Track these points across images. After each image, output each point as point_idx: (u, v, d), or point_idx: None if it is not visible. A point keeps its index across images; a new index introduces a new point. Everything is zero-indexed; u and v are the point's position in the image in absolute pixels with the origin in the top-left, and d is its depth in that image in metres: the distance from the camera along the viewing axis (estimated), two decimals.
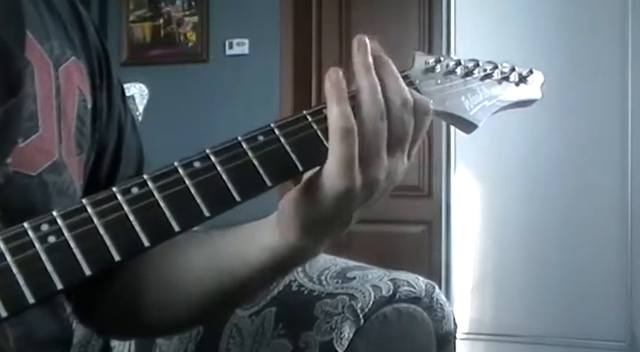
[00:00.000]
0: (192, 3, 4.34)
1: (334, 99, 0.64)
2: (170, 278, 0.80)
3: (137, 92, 2.81)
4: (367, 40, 0.68)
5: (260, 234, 0.72)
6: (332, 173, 0.64)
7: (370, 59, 0.67)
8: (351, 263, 1.02)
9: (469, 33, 3.42)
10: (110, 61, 0.88)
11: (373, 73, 0.67)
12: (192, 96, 4.29)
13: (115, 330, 0.89)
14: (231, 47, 4.24)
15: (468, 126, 0.75)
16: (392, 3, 4.08)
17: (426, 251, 3.85)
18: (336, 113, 0.64)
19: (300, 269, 0.99)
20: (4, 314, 0.54)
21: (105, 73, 0.86)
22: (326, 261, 1.01)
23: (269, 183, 0.63)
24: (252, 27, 4.20)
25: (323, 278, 0.97)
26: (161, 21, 4.40)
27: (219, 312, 0.85)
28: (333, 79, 0.65)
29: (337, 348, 0.90)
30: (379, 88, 0.66)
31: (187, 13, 4.35)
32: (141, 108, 2.83)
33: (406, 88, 0.67)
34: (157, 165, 0.75)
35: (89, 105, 0.82)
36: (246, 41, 4.21)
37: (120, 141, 0.86)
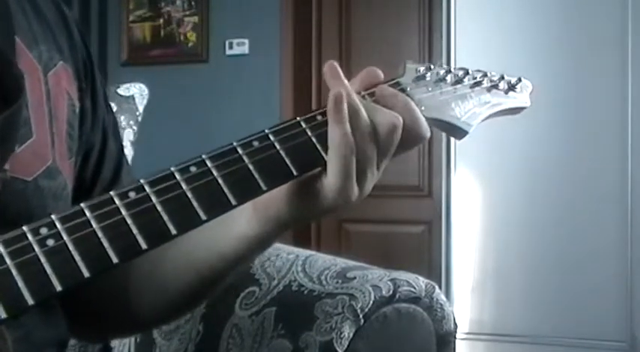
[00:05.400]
0: (192, 3, 4.33)
1: (336, 120, 0.67)
2: (149, 271, 0.81)
3: (137, 92, 2.80)
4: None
5: (235, 225, 0.73)
6: (334, 188, 0.67)
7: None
8: (351, 263, 1.02)
9: (469, 33, 3.42)
10: (94, 63, 0.88)
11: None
12: (192, 97, 4.28)
13: (103, 328, 0.89)
14: (231, 47, 4.24)
15: (458, 132, 0.77)
16: (392, 3, 4.08)
17: (426, 251, 3.85)
18: (338, 133, 0.67)
19: (300, 269, 0.99)
20: (4, 315, 0.55)
21: (90, 75, 0.86)
22: (326, 261, 1.01)
23: (264, 188, 0.65)
24: (252, 27, 4.19)
25: (323, 278, 0.97)
26: (161, 21, 4.40)
27: (199, 299, 0.87)
28: (337, 97, 0.67)
29: (337, 348, 0.90)
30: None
31: (187, 13, 4.35)
32: (141, 108, 2.82)
33: (395, 114, 0.69)
34: (135, 168, 0.76)
35: (77, 109, 0.83)
36: (246, 41, 4.21)
37: (104, 143, 0.87)
